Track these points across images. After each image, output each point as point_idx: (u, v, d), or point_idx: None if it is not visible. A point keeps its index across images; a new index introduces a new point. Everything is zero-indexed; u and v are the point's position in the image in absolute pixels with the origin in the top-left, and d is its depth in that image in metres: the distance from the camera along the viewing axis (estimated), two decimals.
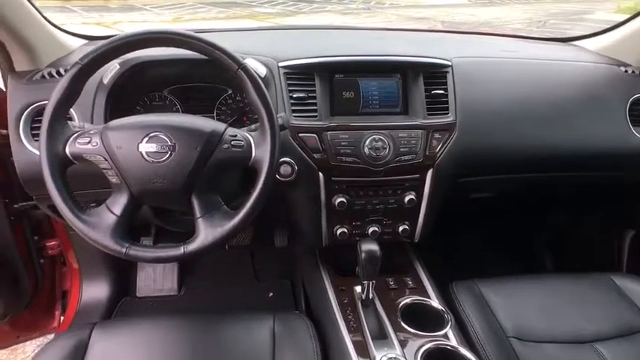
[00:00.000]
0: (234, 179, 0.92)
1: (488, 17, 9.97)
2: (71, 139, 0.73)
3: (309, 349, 0.86)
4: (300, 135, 0.95)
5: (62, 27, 1.08)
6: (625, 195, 1.33)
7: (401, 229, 1.05)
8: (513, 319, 0.97)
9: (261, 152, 0.76)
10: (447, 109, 1.02)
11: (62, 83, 0.71)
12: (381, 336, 0.88)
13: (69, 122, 0.76)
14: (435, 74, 1.02)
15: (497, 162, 1.10)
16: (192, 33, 0.75)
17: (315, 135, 0.96)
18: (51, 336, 1.33)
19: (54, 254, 1.27)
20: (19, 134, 0.90)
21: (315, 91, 0.97)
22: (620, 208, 1.37)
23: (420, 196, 1.03)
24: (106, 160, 0.72)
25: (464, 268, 1.14)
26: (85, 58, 0.72)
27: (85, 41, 1.14)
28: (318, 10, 10.92)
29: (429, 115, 1.00)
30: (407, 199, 1.02)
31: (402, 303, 0.97)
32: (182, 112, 1.01)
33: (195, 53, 0.76)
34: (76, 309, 1.33)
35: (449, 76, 1.03)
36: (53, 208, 0.71)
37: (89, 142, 0.72)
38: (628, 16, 1.25)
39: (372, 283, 0.94)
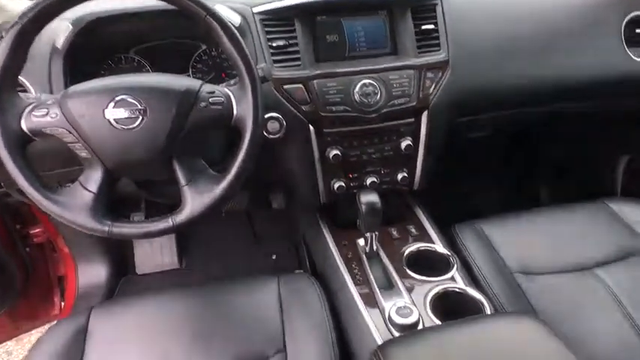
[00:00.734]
0: (218, 140, 0.86)
1: None
2: (25, 112, 0.65)
3: (316, 307, 0.84)
4: (285, 87, 0.89)
5: None
6: (619, 121, 1.31)
7: (400, 177, 1.01)
8: (517, 254, 0.97)
9: (244, 108, 0.70)
10: (438, 45, 0.95)
11: (2, 49, 0.63)
12: (388, 286, 0.87)
13: (23, 94, 0.68)
14: (423, 8, 0.95)
15: (492, 99, 1.06)
16: None
17: (300, 85, 0.90)
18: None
19: (40, 241, 1.22)
20: None
21: (296, 37, 0.89)
22: (613, 134, 1.34)
23: (416, 141, 0.99)
24: (70, 133, 0.65)
25: (465, 210, 1.12)
26: (23, 17, 0.63)
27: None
28: None
29: (420, 53, 0.94)
30: (403, 145, 0.97)
31: (407, 251, 0.95)
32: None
33: (156, 3, 0.68)
34: (75, 294, 1.30)
35: (438, 9, 0.96)
36: (22, 191, 0.65)
37: (47, 114, 0.65)
38: None
39: (375, 235, 0.91)
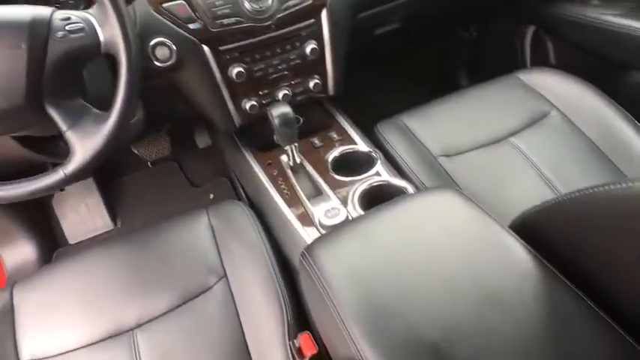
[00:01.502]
0: (102, 74, 0.77)
1: None
2: None
3: (249, 230, 0.83)
4: (164, 5, 0.80)
5: None
6: None
7: (312, 84, 0.97)
8: (438, 140, 0.99)
9: (110, 32, 0.62)
10: None
11: None
12: (316, 194, 0.87)
13: None
14: None
15: None
16: None
17: (181, 1, 0.81)
18: None
19: None
20: None
21: None
22: (520, 7, 1.35)
23: (321, 43, 0.94)
24: None
25: (387, 109, 1.12)
26: None
27: None
28: None
29: None
30: (308, 49, 0.92)
31: (331, 157, 0.94)
32: None
33: None
34: (5, 279, 1.22)
35: None
36: None
37: None
38: None
39: (295, 147, 0.89)
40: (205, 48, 0.85)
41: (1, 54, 0.56)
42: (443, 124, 1.03)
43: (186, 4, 0.81)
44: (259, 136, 1.03)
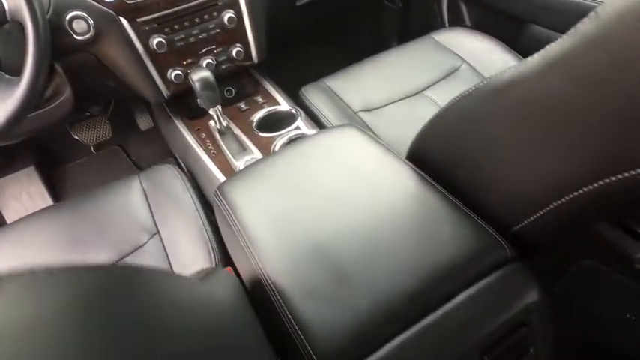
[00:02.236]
0: (10, 42, 0.79)
1: None
2: None
3: (180, 190, 0.88)
4: None
5: None
6: None
7: (234, 52, 1.02)
8: (359, 97, 1.06)
9: None
10: None
11: None
12: (241, 151, 0.92)
13: None
14: None
15: None
16: None
17: None
18: None
19: None
20: None
21: None
22: None
23: (238, 12, 0.99)
24: None
25: (314, 76, 1.18)
26: None
27: None
28: None
29: None
30: (226, 18, 0.97)
31: (256, 118, 1.00)
32: None
33: None
34: None
35: None
36: None
37: None
38: None
39: (219, 109, 0.94)
40: (123, 20, 0.88)
41: None
42: (363, 83, 1.10)
43: None
44: (189, 106, 1.07)
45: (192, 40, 0.97)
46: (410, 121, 1.03)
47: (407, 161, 0.67)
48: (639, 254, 0.97)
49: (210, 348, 0.31)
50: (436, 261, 0.50)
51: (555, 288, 0.95)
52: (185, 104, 1.08)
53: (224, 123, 0.96)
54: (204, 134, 0.99)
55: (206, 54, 1.00)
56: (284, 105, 1.03)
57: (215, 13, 0.97)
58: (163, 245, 0.82)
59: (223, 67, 1.03)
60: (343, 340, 0.45)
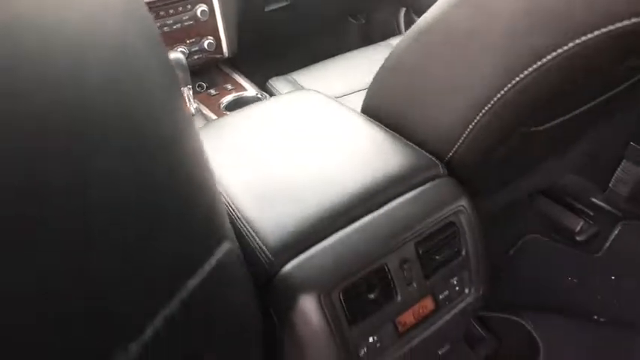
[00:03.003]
0: None
1: None
2: None
3: None
4: None
5: None
6: None
7: (206, 44, 1.11)
8: (323, 88, 1.09)
9: None
10: None
11: None
12: None
13: None
14: None
15: None
16: None
17: None
18: None
19: None
20: None
21: None
22: None
23: (211, 7, 1.08)
24: None
25: (282, 74, 1.27)
26: None
27: None
28: None
29: None
30: (199, 11, 1.06)
31: (225, 101, 1.07)
32: None
33: None
34: None
35: None
36: None
37: None
38: None
39: (190, 92, 1.01)
40: None
41: None
42: (327, 77, 1.20)
43: None
44: None
45: (166, 29, 1.05)
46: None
47: (362, 114, 0.74)
48: (579, 227, 1.06)
49: None
50: (377, 176, 0.56)
51: (507, 258, 1.02)
52: None
53: (194, 105, 1.02)
54: None
55: (179, 43, 1.08)
56: (251, 91, 1.11)
57: (189, 6, 1.06)
58: None
59: (195, 57, 1.11)
60: (291, 235, 0.50)
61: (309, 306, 0.46)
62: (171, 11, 1.04)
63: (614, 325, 0.83)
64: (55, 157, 0.21)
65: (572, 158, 1.08)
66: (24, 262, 0.21)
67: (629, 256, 0.98)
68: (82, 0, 0.24)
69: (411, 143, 0.64)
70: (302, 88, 1.16)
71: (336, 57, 1.29)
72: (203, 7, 1.07)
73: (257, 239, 0.51)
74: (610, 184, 1.08)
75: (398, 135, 0.66)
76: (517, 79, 0.48)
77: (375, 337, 0.52)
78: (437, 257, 0.53)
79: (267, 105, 0.76)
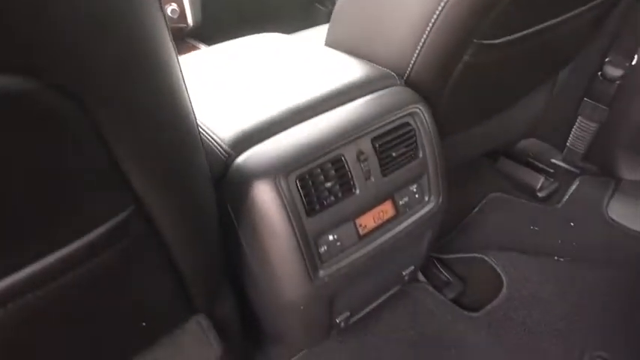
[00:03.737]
0: None
1: None
2: None
3: None
4: None
5: None
6: None
7: (169, 10, 1.10)
8: None
9: None
10: None
11: None
12: None
13: None
14: None
15: None
16: None
17: None
18: None
19: None
20: None
21: None
22: None
23: None
24: None
25: None
26: None
27: None
28: None
29: None
30: None
31: None
32: None
33: None
34: None
35: None
36: None
37: None
38: None
39: None
40: None
41: None
42: None
43: None
44: None
45: None
46: None
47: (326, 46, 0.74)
48: (540, 184, 1.10)
49: None
50: (336, 84, 0.57)
51: (472, 215, 1.03)
52: None
53: None
54: None
55: None
56: None
57: None
58: None
59: None
60: (249, 129, 0.50)
61: (264, 191, 0.45)
62: None
63: (573, 263, 0.85)
64: None
65: (527, 119, 1.12)
66: None
67: (587, 203, 1.02)
68: None
69: (371, 63, 0.65)
70: None
71: (303, 30, 1.30)
72: None
73: (214, 135, 0.50)
74: (568, 143, 1.12)
75: (359, 58, 0.67)
76: None
77: (336, 236, 0.51)
78: (394, 154, 0.53)
79: (232, 44, 0.76)
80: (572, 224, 0.97)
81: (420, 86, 0.61)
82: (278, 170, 0.46)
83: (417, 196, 0.58)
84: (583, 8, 0.68)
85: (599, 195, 1.03)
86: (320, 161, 0.48)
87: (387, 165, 0.53)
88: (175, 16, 1.12)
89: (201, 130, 0.52)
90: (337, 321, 0.60)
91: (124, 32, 0.27)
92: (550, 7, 0.64)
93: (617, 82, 0.96)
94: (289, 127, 0.50)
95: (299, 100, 0.54)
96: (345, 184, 0.50)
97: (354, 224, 0.53)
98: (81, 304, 0.37)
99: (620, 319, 0.76)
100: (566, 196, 1.05)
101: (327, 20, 0.79)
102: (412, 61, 0.60)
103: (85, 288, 0.35)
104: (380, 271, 0.60)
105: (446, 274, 0.87)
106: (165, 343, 0.50)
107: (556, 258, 0.88)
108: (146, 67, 0.30)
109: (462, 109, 0.77)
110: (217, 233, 0.48)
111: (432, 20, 0.54)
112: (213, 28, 1.25)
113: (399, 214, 0.56)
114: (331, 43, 0.75)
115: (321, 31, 0.89)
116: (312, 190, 0.48)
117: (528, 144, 1.21)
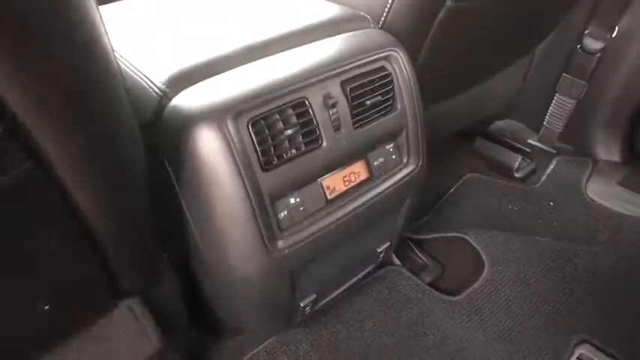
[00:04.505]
0: None
1: None
2: None
3: None
4: None
5: None
6: None
7: None
8: None
9: None
10: None
11: None
12: None
13: None
14: None
15: None
16: None
17: None
18: None
19: None
20: None
21: None
22: None
23: None
24: None
25: None
26: None
27: None
28: None
29: None
30: None
31: None
32: None
33: None
34: None
35: None
36: None
37: None
38: None
39: None
40: None
41: None
42: None
43: None
44: None
45: None
46: None
47: None
48: (517, 164, 1.05)
49: None
50: (303, 22, 0.48)
51: (450, 195, 0.97)
52: None
53: None
54: None
55: None
56: None
57: None
58: None
59: None
60: (190, 66, 0.40)
61: (207, 137, 0.36)
62: None
63: (555, 243, 0.81)
64: None
65: (504, 95, 1.08)
66: None
67: (566, 183, 0.98)
68: None
69: (346, 6, 0.56)
70: None
71: None
72: None
73: (144, 71, 0.40)
74: (544, 122, 1.08)
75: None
76: None
77: (298, 199, 0.42)
78: (368, 103, 0.45)
79: None
80: (551, 204, 0.92)
81: (397, 37, 0.53)
82: (225, 111, 0.36)
83: (394, 157, 0.50)
84: None
85: (577, 175, 1.00)
86: (278, 103, 0.39)
87: (359, 115, 0.44)
88: None
89: (127, 66, 0.42)
90: (301, 305, 0.51)
91: None
92: None
93: (598, 54, 0.92)
94: (241, 65, 0.41)
95: (254, 39, 0.44)
96: (310, 134, 0.41)
97: (321, 185, 0.44)
98: None
99: (606, 301, 0.71)
100: (544, 177, 1.01)
101: None
102: (388, 6, 0.52)
103: None
104: (350, 245, 0.51)
105: (422, 256, 0.80)
106: (87, 337, 0.40)
107: (538, 238, 0.83)
108: None
109: (439, 74, 0.70)
110: (146, 194, 0.38)
111: None
112: None
113: (373, 177, 0.48)
114: None
115: None
116: (269, 139, 0.38)
117: (505, 124, 1.16)
